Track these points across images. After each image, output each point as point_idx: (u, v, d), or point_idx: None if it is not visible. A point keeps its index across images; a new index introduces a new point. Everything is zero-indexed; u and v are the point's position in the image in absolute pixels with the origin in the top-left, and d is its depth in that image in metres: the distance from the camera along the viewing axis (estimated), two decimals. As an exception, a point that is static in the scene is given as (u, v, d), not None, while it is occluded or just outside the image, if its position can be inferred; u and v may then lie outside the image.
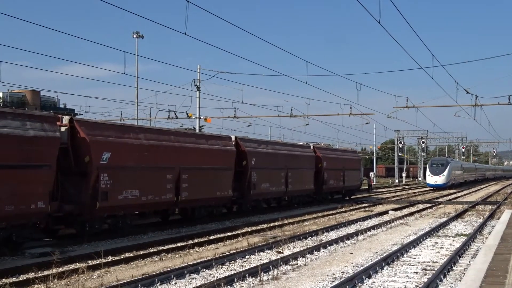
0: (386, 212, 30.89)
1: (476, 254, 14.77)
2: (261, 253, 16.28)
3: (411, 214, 30.03)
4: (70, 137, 17.71)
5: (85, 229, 18.34)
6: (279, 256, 15.40)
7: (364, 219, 27.00)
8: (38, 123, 15.96)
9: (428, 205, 36.92)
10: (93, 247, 16.77)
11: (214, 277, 12.71)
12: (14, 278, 12.59)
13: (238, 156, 27.15)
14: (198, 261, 14.42)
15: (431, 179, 62.17)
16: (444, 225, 23.99)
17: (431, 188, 62.22)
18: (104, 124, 20.19)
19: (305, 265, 14.53)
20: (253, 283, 12.12)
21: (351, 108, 50.74)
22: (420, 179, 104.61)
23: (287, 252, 16.43)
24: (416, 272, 13.48)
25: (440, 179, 61.40)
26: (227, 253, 15.98)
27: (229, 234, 20.31)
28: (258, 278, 12.42)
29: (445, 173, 61.59)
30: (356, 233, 20.69)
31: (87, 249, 16.53)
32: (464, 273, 12.13)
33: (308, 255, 15.74)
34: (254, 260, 15.14)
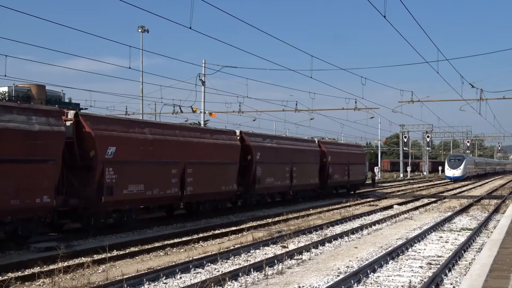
0: (391, 207, 30.88)
1: (481, 249, 14.74)
2: (266, 248, 16.30)
3: (416, 208, 30.00)
4: (76, 132, 17.75)
5: (90, 224, 18.39)
6: (284, 250, 15.41)
7: (369, 213, 26.99)
8: (44, 117, 15.99)
9: (433, 199, 36.89)
10: (98, 242, 16.82)
11: (219, 271, 12.74)
12: (19, 273, 12.64)
13: (243, 150, 27.16)
14: (203, 255, 14.44)
15: (450, 172, 71.44)
16: (449, 219, 23.96)
17: (449, 180, 69.80)
18: (109, 119, 20.22)
19: (310, 259, 14.54)
20: (258, 278, 12.14)
21: (356, 102, 50.70)
22: (425, 173, 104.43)
23: (292, 246, 16.45)
24: (421, 267, 13.48)
25: (457, 172, 70.71)
26: (232, 247, 16.00)
27: (234, 228, 20.33)
28: (263, 272, 12.44)
29: (462, 167, 70.84)
30: (361, 228, 20.68)
31: (92, 244, 16.57)
32: (469, 268, 12.10)
33: (313, 250, 15.75)
34: (259, 255, 15.17)
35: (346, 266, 13.51)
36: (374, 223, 22.36)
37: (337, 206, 31.27)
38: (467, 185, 61.74)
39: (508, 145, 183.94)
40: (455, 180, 69.71)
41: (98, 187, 18.04)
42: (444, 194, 43.52)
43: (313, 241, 17.19)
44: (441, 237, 18.91)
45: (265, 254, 15.28)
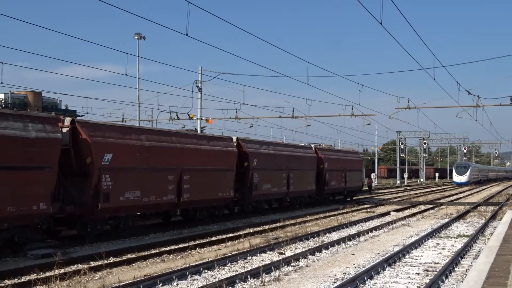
0: (388, 213, 30.87)
1: (478, 255, 14.75)
2: (262, 254, 16.28)
3: (413, 215, 30.00)
4: (72, 139, 17.73)
5: (87, 230, 18.35)
6: (280, 257, 15.39)
7: (365, 220, 26.98)
8: (40, 124, 15.97)
9: (430, 206, 36.89)
10: (95, 248, 16.77)
11: (216, 278, 12.71)
12: (16, 280, 12.59)
13: (239, 157, 27.15)
14: (200, 262, 14.41)
15: (457, 178, 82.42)
16: (446, 226, 23.96)
17: (457, 186, 79.36)
18: (105, 126, 20.20)
19: (306, 266, 14.52)
20: (255, 284, 12.11)
21: (352, 109, 50.70)
22: (422, 179, 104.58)
23: (288, 253, 16.43)
24: (418, 273, 13.47)
25: (464, 178, 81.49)
26: (229, 254, 15.97)
27: (230, 235, 20.30)
28: (260, 279, 12.42)
29: (467, 173, 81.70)
30: (358, 234, 20.67)
31: (88, 251, 16.53)
32: (466, 274, 12.11)
33: (309, 256, 15.74)
34: (256, 261, 15.14)
35: (343, 273, 13.50)
36: (371, 230, 22.35)
37: (334, 213, 31.25)
38: (464, 191, 61.86)
39: (505, 151, 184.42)
40: (461, 185, 79.75)
41: (94, 194, 18.01)
42: (441, 200, 43.54)
43: (310, 247, 17.18)
44: (438, 243, 18.91)
45: (262, 260, 15.26)
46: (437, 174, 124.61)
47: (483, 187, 76.79)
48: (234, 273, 13.11)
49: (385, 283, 12.32)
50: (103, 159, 18.24)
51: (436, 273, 12.96)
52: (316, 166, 36.25)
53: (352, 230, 22.62)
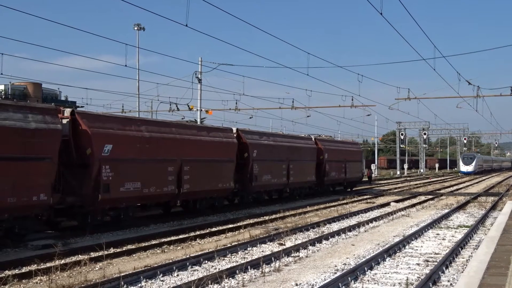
0: (387, 204, 30.90)
1: (478, 246, 14.76)
2: (263, 245, 16.30)
3: (413, 205, 30.04)
4: (72, 130, 17.71)
5: (87, 221, 18.36)
6: (281, 248, 15.41)
7: (365, 210, 27.01)
8: (40, 115, 15.95)
9: (430, 196, 36.92)
10: (95, 239, 16.79)
11: (216, 269, 12.73)
12: (16, 270, 12.62)
13: (239, 148, 27.13)
14: (200, 253, 14.44)
15: (464, 167, 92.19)
16: (446, 216, 23.99)
17: (463, 175, 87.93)
18: (105, 117, 20.16)
19: (307, 257, 14.54)
20: (255, 275, 12.13)
21: (352, 99, 50.54)
22: (422, 170, 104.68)
23: (289, 244, 16.44)
24: (418, 264, 13.48)
25: (470, 168, 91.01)
26: (229, 245, 15.99)
27: (230, 226, 20.33)
28: (260, 270, 12.43)
29: (473, 163, 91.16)
30: (358, 225, 20.69)
31: (89, 241, 16.55)
32: (466, 265, 12.11)
33: (310, 247, 15.75)
34: (256, 252, 15.16)
35: (343, 263, 13.51)
36: (371, 221, 22.37)
37: (333, 204, 31.28)
38: (464, 182, 61.96)
39: (505, 142, 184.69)
40: (467, 174, 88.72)
41: (94, 185, 18.00)
42: (441, 191, 43.57)
43: (310, 238, 17.20)
44: (438, 234, 18.93)
45: (262, 251, 15.28)
46: (437, 165, 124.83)
47: (484, 178, 77.00)
48: (234, 264, 13.13)
49: (386, 273, 12.33)
50: (103, 150, 18.22)
51: (436, 263, 12.98)
52: (316, 157, 36.23)
53: (352, 221, 22.64)
